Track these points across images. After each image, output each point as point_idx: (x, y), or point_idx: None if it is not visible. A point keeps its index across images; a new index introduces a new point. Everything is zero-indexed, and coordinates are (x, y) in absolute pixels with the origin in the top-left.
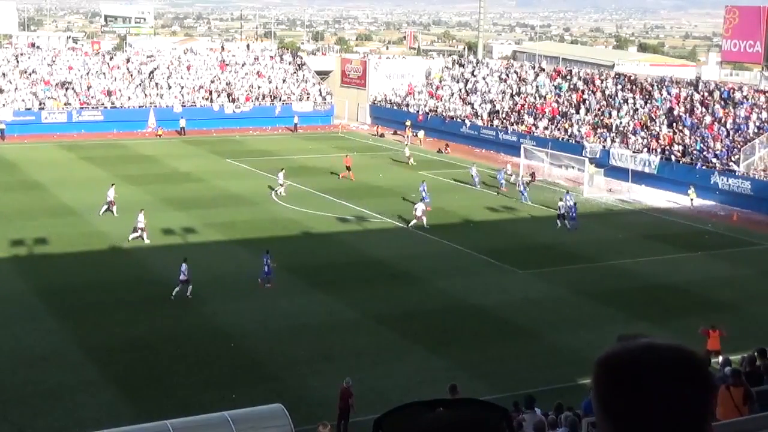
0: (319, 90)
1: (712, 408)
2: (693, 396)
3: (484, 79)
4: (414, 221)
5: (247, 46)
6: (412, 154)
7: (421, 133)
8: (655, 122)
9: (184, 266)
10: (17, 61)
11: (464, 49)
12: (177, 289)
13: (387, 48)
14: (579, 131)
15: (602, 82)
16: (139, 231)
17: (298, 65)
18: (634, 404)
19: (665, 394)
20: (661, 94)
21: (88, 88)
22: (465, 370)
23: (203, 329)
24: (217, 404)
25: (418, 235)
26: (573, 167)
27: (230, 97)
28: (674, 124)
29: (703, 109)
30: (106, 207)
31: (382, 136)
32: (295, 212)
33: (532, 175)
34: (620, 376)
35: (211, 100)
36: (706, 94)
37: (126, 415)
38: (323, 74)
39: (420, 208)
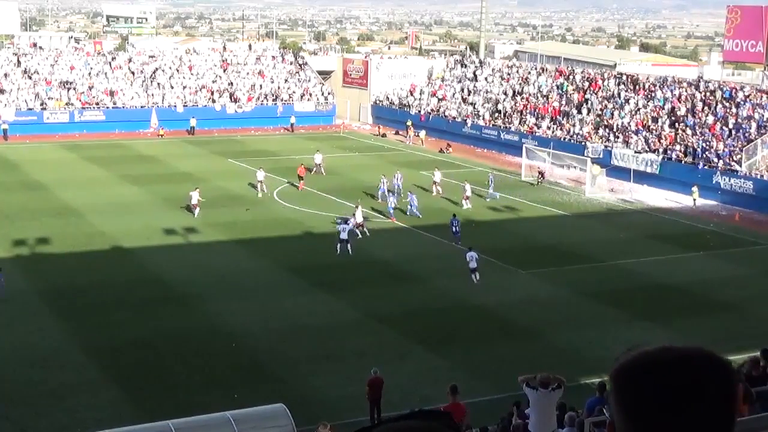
0: (321, 90)
1: (738, 402)
2: (723, 392)
3: (486, 79)
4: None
5: (249, 46)
6: (442, 181)
7: (422, 133)
8: (657, 122)
9: (473, 254)
10: (19, 61)
11: (466, 49)
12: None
13: (389, 48)
14: (581, 131)
15: (604, 82)
16: (358, 228)
17: (300, 65)
18: (665, 405)
19: (696, 392)
20: (663, 94)
21: (90, 88)
22: (466, 369)
23: (205, 329)
24: (219, 404)
25: (419, 235)
26: (575, 167)
27: (232, 97)
28: (676, 123)
29: (706, 109)
30: (194, 210)
31: (383, 136)
32: (297, 212)
33: (541, 174)
34: (648, 378)
35: (213, 100)
36: (708, 93)
37: (128, 415)
38: (325, 74)
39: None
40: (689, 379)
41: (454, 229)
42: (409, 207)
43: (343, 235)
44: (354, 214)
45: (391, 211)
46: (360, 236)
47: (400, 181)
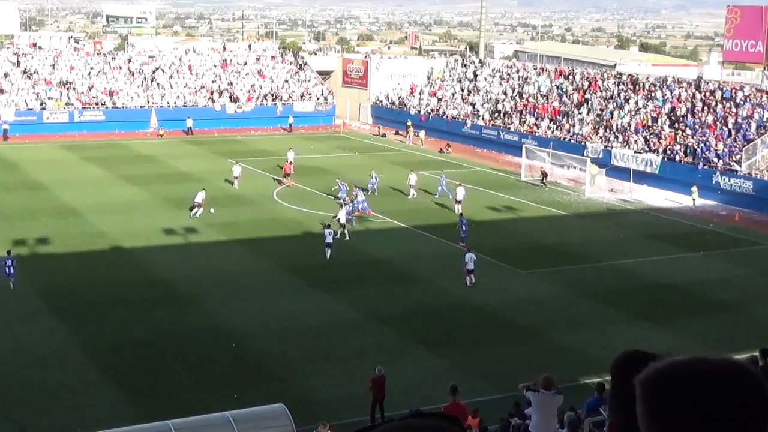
0: (321, 90)
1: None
2: (755, 404)
3: (485, 79)
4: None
5: (249, 46)
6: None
7: (422, 133)
8: (657, 122)
9: (471, 255)
10: (19, 62)
11: (466, 49)
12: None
13: (389, 48)
14: (581, 131)
15: (604, 82)
16: (341, 228)
17: (300, 65)
18: (696, 415)
19: (729, 404)
20: (663, 94)
21: (90, 88)
22: (466, 369)
23: (205, 329)
24: (219, 404)
25: (419, 235)
26: (575, 167)
27: (232, 98)
28: (676, 123)
29: (705, 109)
30: (196, 210)
31: (383, 136)
32: (297, 212)
33: (544, 174)
34: (680, 388)
35: (213, 101)
36: (707, 93)
37: (128, 415)
38: (325, 74)
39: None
40: (721, 390)
41: (463, 228)
42: (357, 203)
43: (329, 239)
44: (338, 213)
45: (360, 206)
46: (346, 237)
47: (376, 180)
